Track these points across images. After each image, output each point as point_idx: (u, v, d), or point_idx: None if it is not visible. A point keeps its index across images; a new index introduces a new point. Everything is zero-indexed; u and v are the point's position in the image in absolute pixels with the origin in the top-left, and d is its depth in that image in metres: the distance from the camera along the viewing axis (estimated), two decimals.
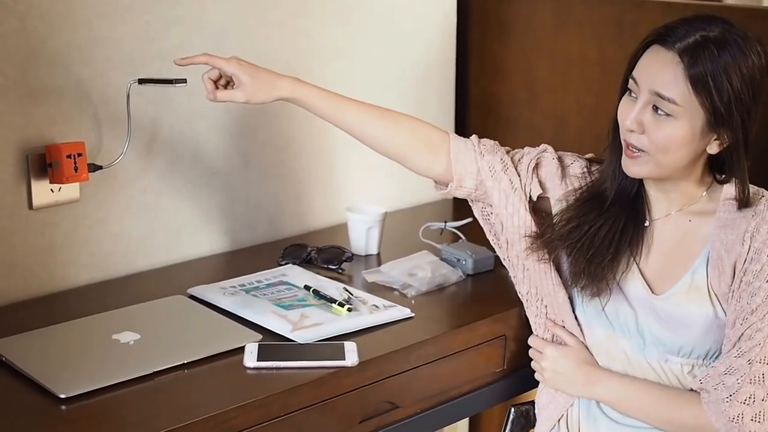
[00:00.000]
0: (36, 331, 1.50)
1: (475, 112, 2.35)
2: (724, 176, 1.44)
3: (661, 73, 1.36)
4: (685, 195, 1.46)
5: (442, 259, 1.84)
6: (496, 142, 1.62)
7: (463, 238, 1.92)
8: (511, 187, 1.55)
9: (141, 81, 1.69)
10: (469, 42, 2.31)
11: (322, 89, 1.58)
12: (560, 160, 1.58)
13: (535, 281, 1.56)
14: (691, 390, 1.45)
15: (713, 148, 1.40)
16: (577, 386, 1.53)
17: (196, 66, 1.80)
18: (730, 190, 1.43)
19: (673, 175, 1.43)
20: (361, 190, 2.16)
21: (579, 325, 1.56)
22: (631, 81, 1.40)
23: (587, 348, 1.55)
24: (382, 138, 1.60)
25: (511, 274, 1.61)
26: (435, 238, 1.94)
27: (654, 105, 1.37)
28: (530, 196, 1.56)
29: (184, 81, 1.68)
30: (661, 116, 1.37)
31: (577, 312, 1.56)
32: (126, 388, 1.34)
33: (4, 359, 1.41)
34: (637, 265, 1.48)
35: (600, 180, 1.52)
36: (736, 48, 1.34)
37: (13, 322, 1.55)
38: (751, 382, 1.36)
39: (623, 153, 1.43)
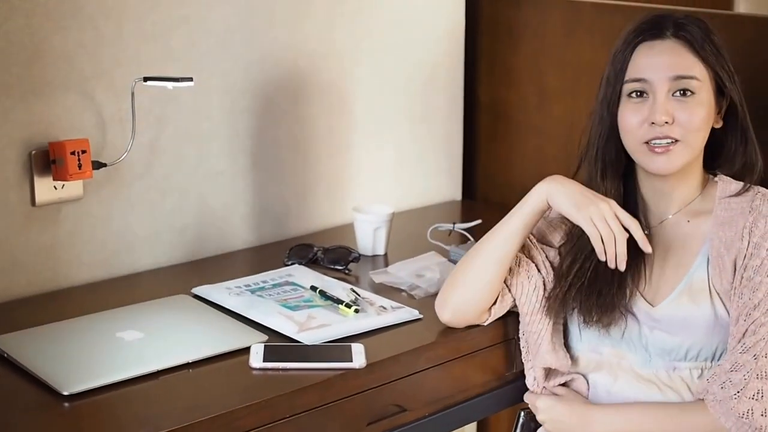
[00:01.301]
0: (39, 328, 1.49)
1: (485, 116, 2.34)
2: (723, 162, 1.50)
3: (673, 58, 1.43)
4: (685, 193, 1.49)
5: (450, 261, 1.82)
6: None
7: (472, 239, 1.90)
8: (527, 278, 1.53)
9: (146, 79, 1.69)
10: (478, 47, 2.32)
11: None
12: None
13: (531, 342, 1.55)
14: (694, 401, 1.45)
15: (718, 122, 1.48)
16: (576, 430, 1.52)
17: (202, 65, 1.83)
18: (724, 187, 1.47)
19: (692, 161, 1.46)
20: (369, 190, 2.15)
21: (579, 351, 1.55)
22: (633, 84, 1.45)
23: (586, 384, 1.55)
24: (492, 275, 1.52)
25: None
26: (443, 239, 1.93)
27: (673, 92, 1.43)
28: (552, 263, 1.55)
29: (190, 80, 1.69)
30: (684, 98, 1.43)
31: (578, 345, 1.55)
32: (130, 387, 1.33)
33: (6, 355, 1.40)
34: (636, 286, 1.49)
35: None
36: (701, 22, 1.46)
37: (15, 319, 1.54)
38: (758, 378, 1.37)
39: (646, 154, 1.44)
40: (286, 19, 1.95)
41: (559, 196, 1.44)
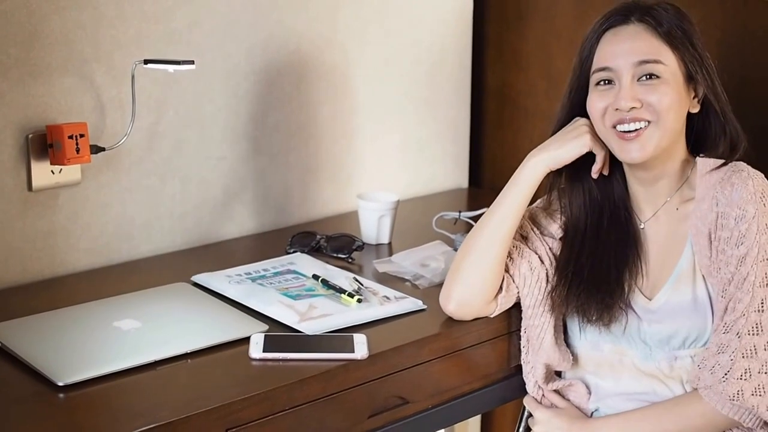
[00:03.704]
0: (34, 317, 1.48)
1: (492, 101, 2.33)
2: (707, 147, 1.47)
3: (636, 43, 1.42)
4: (671, 181, 1.48)
5: (456, 250, 1.80)
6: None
7: None
8: (530, 269, 1.53)
9: (147, 62, 1.67)
10: (486, 31, 2.32)
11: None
12: (539, 208, 1.60)
13: (533, 337, 1.54)
14: (689, 392, 1.44)
15: (694, 107, 1.45)
16: None
17: (204, 48, 1.81)
18: (704, 164, 1.45)
19: (670, 145, 1.44)
20: (373, 177, 2.14)
21: (579, 349, 1.55)
22: (600, 73, 1.44)
23: (586, 397, 1.55)
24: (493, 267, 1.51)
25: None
26: (449, 228, 1.91)
27: (639, 77, 1.41)
28: (555, 255, 1.54)
29: (192, 63, 1.67)
30: (650, 81, 1.41)
31: (578, 343, 1.55)
32: (126, 377, 1.32)
33: (0, 344, 1.39)
34: (634, 281, 1.49)
35: (573, 208, 1.53)
36: (673, 8, 1.44)
37: (10, 307, 1.53)
38: (743, 357, 1.35)
39: (618, 142, 1.43)
40: (290, 1, 1.92)
41: (554, 151, 1.47)
